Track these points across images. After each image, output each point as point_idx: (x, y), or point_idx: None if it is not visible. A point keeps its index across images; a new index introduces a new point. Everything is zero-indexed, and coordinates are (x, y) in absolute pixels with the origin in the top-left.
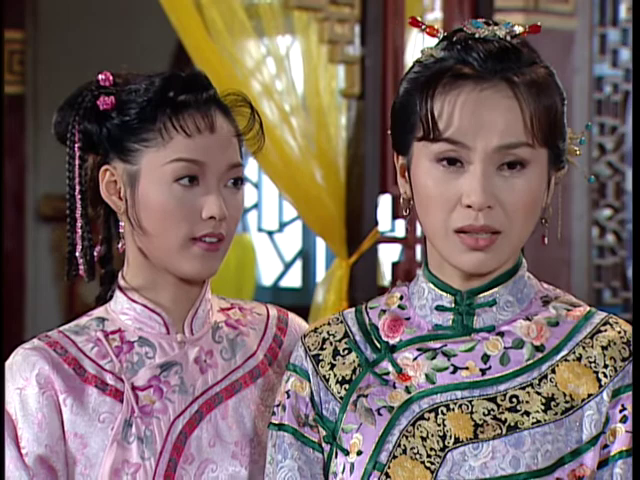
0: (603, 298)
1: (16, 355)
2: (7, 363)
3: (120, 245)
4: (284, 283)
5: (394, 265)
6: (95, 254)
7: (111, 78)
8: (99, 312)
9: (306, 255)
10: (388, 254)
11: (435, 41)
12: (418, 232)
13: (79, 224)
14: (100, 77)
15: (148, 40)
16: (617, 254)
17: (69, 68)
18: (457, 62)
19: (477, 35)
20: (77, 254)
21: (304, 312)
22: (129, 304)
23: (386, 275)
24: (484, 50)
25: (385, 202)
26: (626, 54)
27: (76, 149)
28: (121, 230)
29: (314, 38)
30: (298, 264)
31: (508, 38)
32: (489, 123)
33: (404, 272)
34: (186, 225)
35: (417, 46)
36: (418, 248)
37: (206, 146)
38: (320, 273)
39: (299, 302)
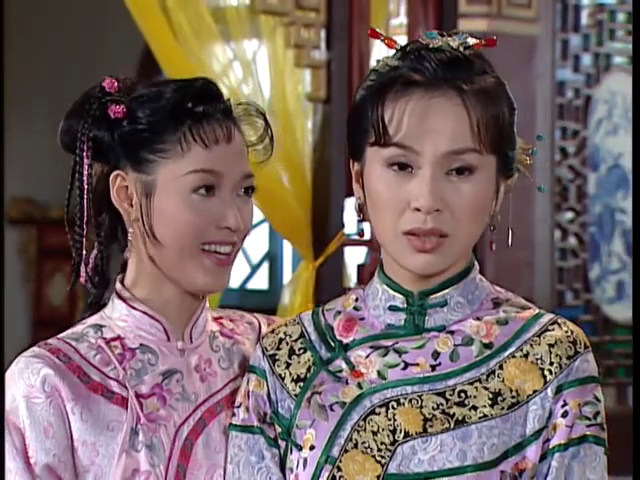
0: (565, 300)
1: (18, 363)
2: (9, 371)
3: (126, 252)
4: (251, 285)
5: (360, 267)
6: (91, 260)
7: (115, 84)
8: (93, 319)
9: (273, 257)
10: (354, 256)
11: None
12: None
13: (83, 232)
14: (105, 83)
15: (115, 43)
16: (579, 256)
17: (36, 70)
18: (409, 70)
19: (431, 45)
20: (86, 264)
21: (271, 314)
22: (128, 311)
23: (352, 277)
24: (435, 59)
25: (351, 205)
26: (587, 59)
27: (85, 157)
28: (129, 238)
29: (280, 42)
30: (265, 266)
31: (461, 49)
32: (437, 129)
33: (370, 274)
34: (200, 234)
35: (382, 51)
36: None
37: (223, 156)
38: (287, 275)
39: (266, 304)
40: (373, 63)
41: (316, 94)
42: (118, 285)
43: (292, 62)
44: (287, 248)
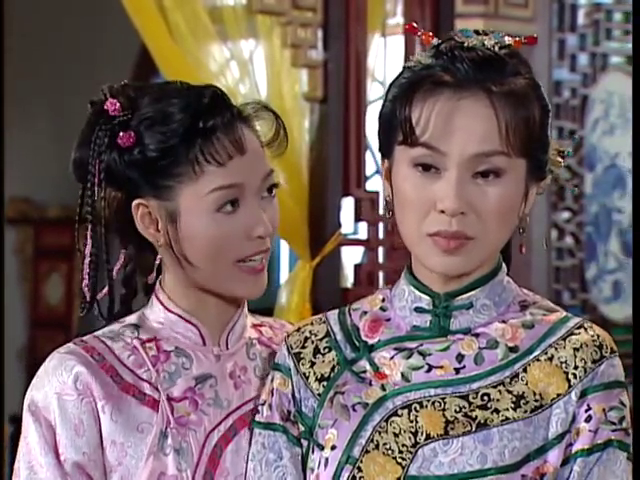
0: (562, 299)
1: (52, 359)
2: (42, 367)
3: (152, 277)
4: None
5: (357, 267)
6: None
7: (117, 105)
8: (132, 319)
9: (270, 257)
10: (351, 256)
11: (394, 47)
12: (380, 234)
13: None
14: (108, 107)
15: (115, 43)
16: (575, 256)
17: (36, 70)
18: (440, 70)
19: (465, 44)
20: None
21: (268, 314)
22: (164, 313)
23: (349, 277)
24: (467, 59)
25: (348, 205)
26: (584, 59)
27: (97, 187)
28: (160, 260)
29: (277, 42)
30: None
31: (496, 48)
32: (465, 130)
33: (367, 274)
34: (234, 250)
35: (379, 51)
36: (380, 250)
37: (240, 168)
38: (283, 275)
39: (263, 304)
40: (370, 63)
41: (313, 94)
42: (157, 286)
43: (289, 62)
44: (284, 248)
